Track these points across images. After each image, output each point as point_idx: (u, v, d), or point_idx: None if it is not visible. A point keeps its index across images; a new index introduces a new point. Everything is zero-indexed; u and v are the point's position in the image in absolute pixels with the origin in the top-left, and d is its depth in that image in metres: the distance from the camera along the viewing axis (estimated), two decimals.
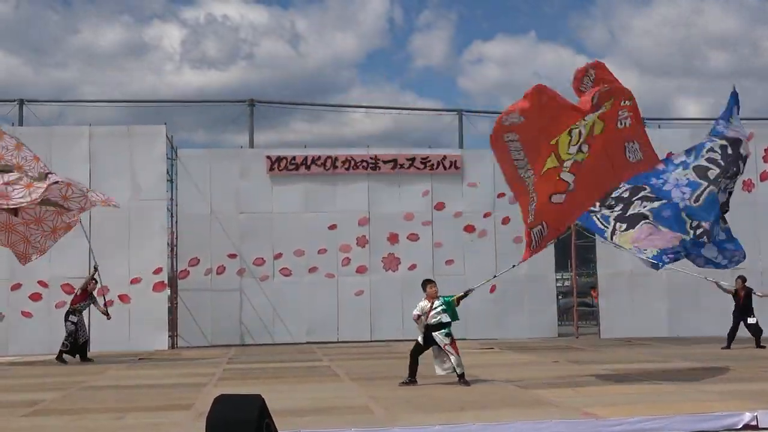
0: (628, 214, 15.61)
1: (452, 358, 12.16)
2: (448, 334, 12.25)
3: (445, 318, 12.24)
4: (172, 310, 22.82)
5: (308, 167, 23.58)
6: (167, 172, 22.65)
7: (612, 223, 15.72)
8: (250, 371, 15.51)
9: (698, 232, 14.74)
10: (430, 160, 24.01)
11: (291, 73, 77.68)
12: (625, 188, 15.52)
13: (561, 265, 30.44)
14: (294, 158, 23.60)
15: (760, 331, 18.92)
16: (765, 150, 24.11)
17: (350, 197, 23.64)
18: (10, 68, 73.46)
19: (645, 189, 15.81)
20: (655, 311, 22.61)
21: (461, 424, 8.46)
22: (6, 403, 11.39)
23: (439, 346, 12.25)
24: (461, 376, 12.13)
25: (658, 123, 27.51)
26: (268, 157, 23.57)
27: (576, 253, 26.25)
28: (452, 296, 12.45)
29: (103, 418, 9.66)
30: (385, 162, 23.72)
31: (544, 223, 12.40)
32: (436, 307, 12.23)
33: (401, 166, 23.89)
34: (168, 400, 11.29)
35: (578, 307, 27.20)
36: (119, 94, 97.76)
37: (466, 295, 12.61)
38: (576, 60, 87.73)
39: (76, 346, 18.18)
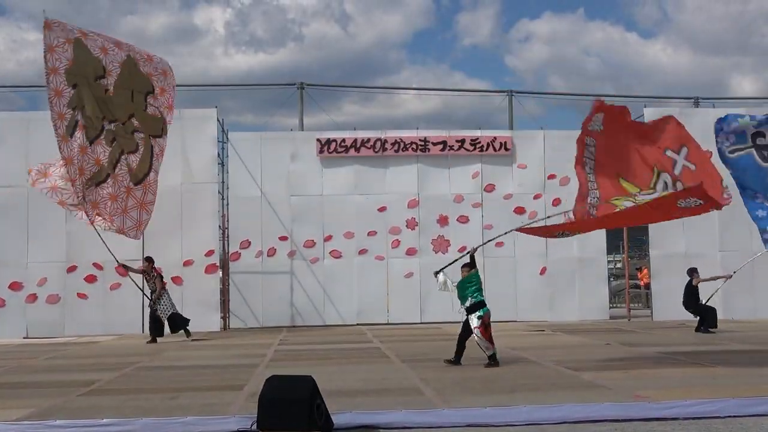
0: None
1: (479, 342, 12.52)
2: (480, 317, 12.60)
3: (477, 297, 12.80)
4: (224, 292, 23.05)
5: (358, 149, 23.58)
6: (218, 155, 22.85)
7: None
8: (301, 352, 15.62)
9: None
10: (479, 142, 23.86)
11: (340, 54, 77.80)
12: None
13: (612, 247, 30.15)
14: (344, 140, 23.63)
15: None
16: None
17: (400, 179, 23.62)
18: None
19: None
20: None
21: (512, 406, 8.44)
22: (63, 382, 11.64)
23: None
24: (490, 358, 12.47)
25: (712, 102, 27.05)
26: (318, 140, 23.63)
27: (628, 234, 25.99)
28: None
29: (157, 398, 9.81)
30: (434, 144, 23.61)
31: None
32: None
33: (451, 147, 23.76)
34: (220, 381, 11.43)
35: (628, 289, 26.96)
36: None
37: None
38: (626, 37, 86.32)
39: (157, 327, 18.85)
